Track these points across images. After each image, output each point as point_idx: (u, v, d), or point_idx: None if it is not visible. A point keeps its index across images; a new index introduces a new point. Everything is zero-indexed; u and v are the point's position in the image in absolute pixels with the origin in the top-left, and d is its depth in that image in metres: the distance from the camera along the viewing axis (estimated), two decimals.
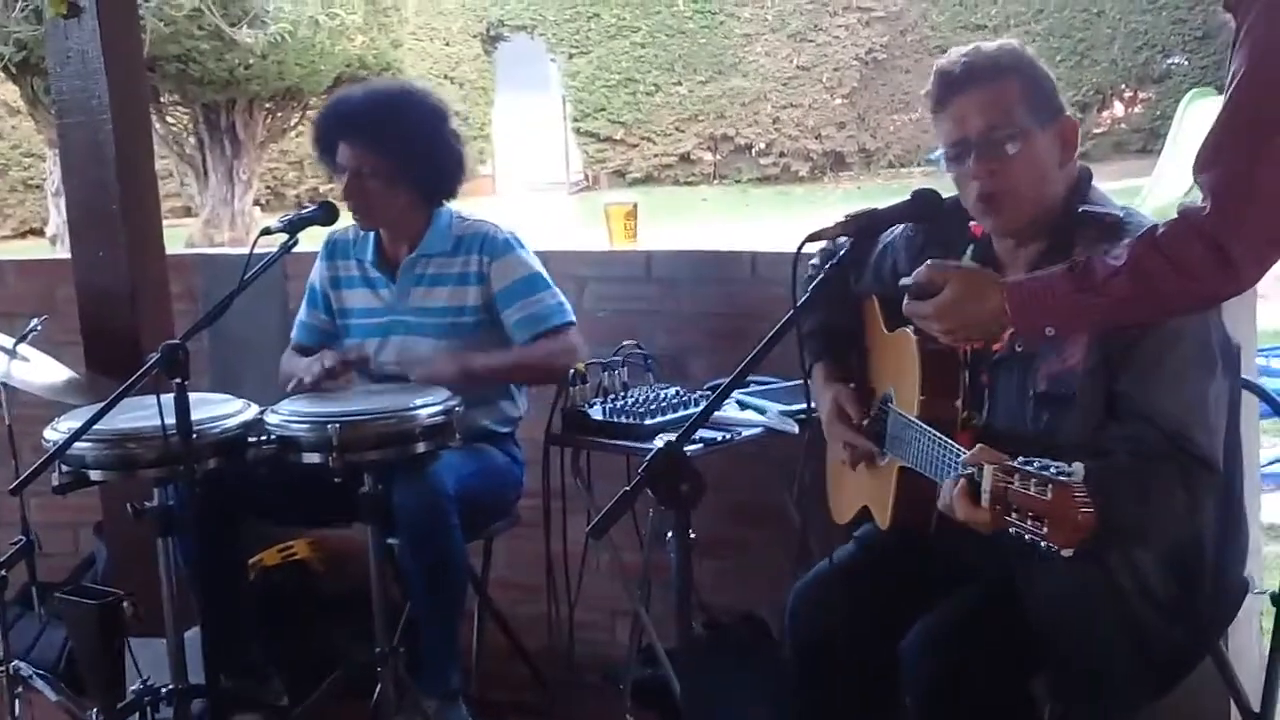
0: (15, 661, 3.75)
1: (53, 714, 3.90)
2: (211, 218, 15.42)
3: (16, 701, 3.73)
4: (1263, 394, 3.11)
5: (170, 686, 3.62)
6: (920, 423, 2.68)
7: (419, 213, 3.94)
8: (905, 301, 2.54)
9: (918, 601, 2.81)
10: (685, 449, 2.50)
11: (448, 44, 21.41)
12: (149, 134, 4.31)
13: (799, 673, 3.01)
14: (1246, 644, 3.35)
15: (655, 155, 21.11)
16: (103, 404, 3.25)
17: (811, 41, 21.08)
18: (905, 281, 2.55)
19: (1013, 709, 2.63)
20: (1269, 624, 3.13)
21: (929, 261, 2.53)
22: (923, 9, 21.07)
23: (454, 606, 3.71)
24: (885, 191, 18.62)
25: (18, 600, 4.14)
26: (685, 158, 21.12)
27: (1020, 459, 2.16)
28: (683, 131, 21.12)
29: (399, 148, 3.84)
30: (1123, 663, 2.55)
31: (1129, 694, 2.60)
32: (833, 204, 18.03)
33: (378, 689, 3.69)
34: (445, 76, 20.60)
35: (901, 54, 21.12)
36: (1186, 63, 20.21)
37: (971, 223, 2.81)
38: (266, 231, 3.52)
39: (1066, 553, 2.08)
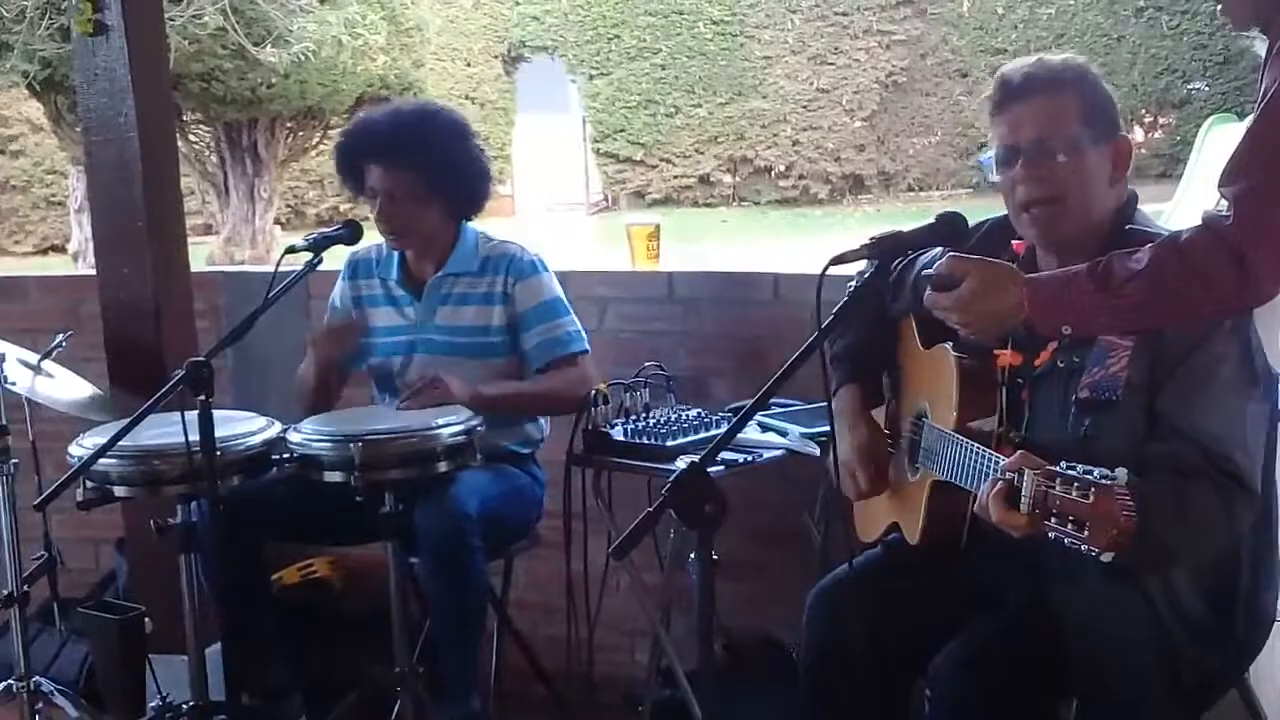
0: (36, 677, 3.76)
1: None
2: (232, 235, 15.45)
3: (37, 717, 3.74)
4: None
5: (190, 703, 3.62)
6: (958, 435, 2.68)
7: (446, 231, 3.96)
8: (926, 293, 2.56)
9: (938, 616, 2.82)
10: (708, 470, 2.51)
11: (469, 64, 21.47)
12: (175, 152, 4.33)
13: (810, 677, 3.01)
14: (1267, 672, 3.33)
15: (675, 177, 21.12)
16: (128, 420, 3.26)
17: (832, 64, 21.08)
18: (926, 273, 2.57)
19: None
20: None
21: (950, 254, 2.54)
22: (943, 33, 21.07)
23: (475, 628, 3.71)
24: (904, 215, 18.62)
25: (38, 615, 4.14)
26: (704, 179, 21.13)
27: (1063, 464, 2.17)
28: (702, 153, 21.13)
29: (429, 166, 3.86)
30: (1154, 687, 2.54)
31: (1161, 717, 2.60)
32: (851, 227, 18.03)
33: (395, 709, 3.70)
34: (466, 97, 20.64)
35: (922, 77, 21.11)
36: (1207, 88, 20.18)
37: (1014, 241, 2.81)
38: (291, 250, 3.54)
39: (1106, 557, 2.09)
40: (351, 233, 3.71)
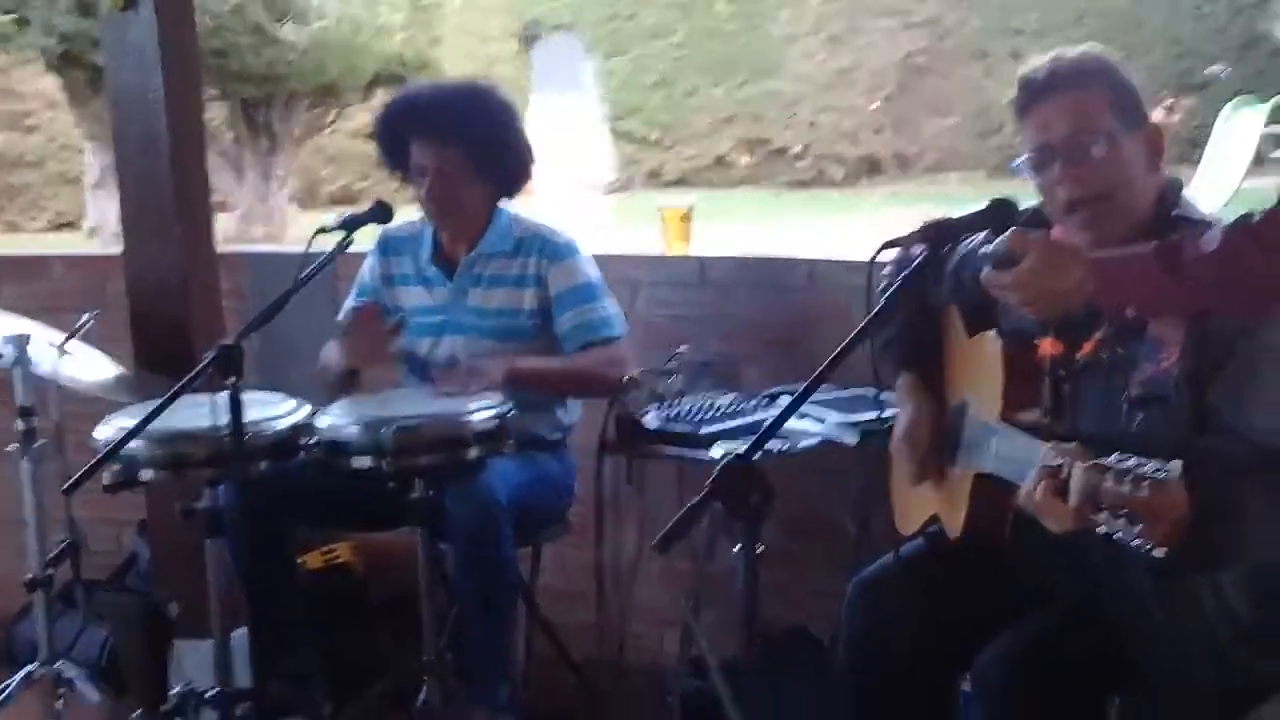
0: (59, 662, 3.71)
1: (95, 714, 3.88)
2: (247, 213, 15.41)
3: (60, 702, 3.70)
4: None
5: (215, 689, 3.58)
6: (1003, 426, 2.63)
7: (484, 211, 3.91)
8: (985, 271, 2.51)
9: (981, 610, 2.79)
10: (739, 462, 2.47)
11: (485, 42, 21.39)
12: (202, 130, 4.29)
13: (850, 668, 2.97)
14: None
15: (691, 157, 20.98)
16: (159, 402, 3.21)
17: (849, 45, 20.95)
18: (985, 250, 2.53)
19: None
20: None
21: (1011, 230, 2.48)
22: (962, 14, 20.93)
23: (505, 618, 3.67)
24: (922, 197, 18.52)
25: (58, 597, 4.10)
26: (721, 160, 21.00)
27: (1115, 456, 2.12)
28: (719, 134, 21.02)
29: (479, 143, 3.83)
30: (1201, 686, 2.50)
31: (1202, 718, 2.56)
32: (868, 210, 17.95)
33: (421, 696, 3.66)
34: (483, 75, 20.59)
35: (940, 59, 20.97)
36: (1229, 71, 20.07)
37: (1054, 229, 2.75)
38: (323, 230, 3.49)
39: (1159, 552, 2.05)
40: (383, 213, 3.67)
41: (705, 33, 21.32)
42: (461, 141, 3.81)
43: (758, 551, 2.50)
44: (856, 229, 15.86)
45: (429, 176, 3.82)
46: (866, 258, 2.61)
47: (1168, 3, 20.07)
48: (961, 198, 17.70)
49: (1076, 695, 2.56)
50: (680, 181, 20.54)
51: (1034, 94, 2.70)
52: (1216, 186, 13.30)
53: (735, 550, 2.56)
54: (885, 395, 3.26)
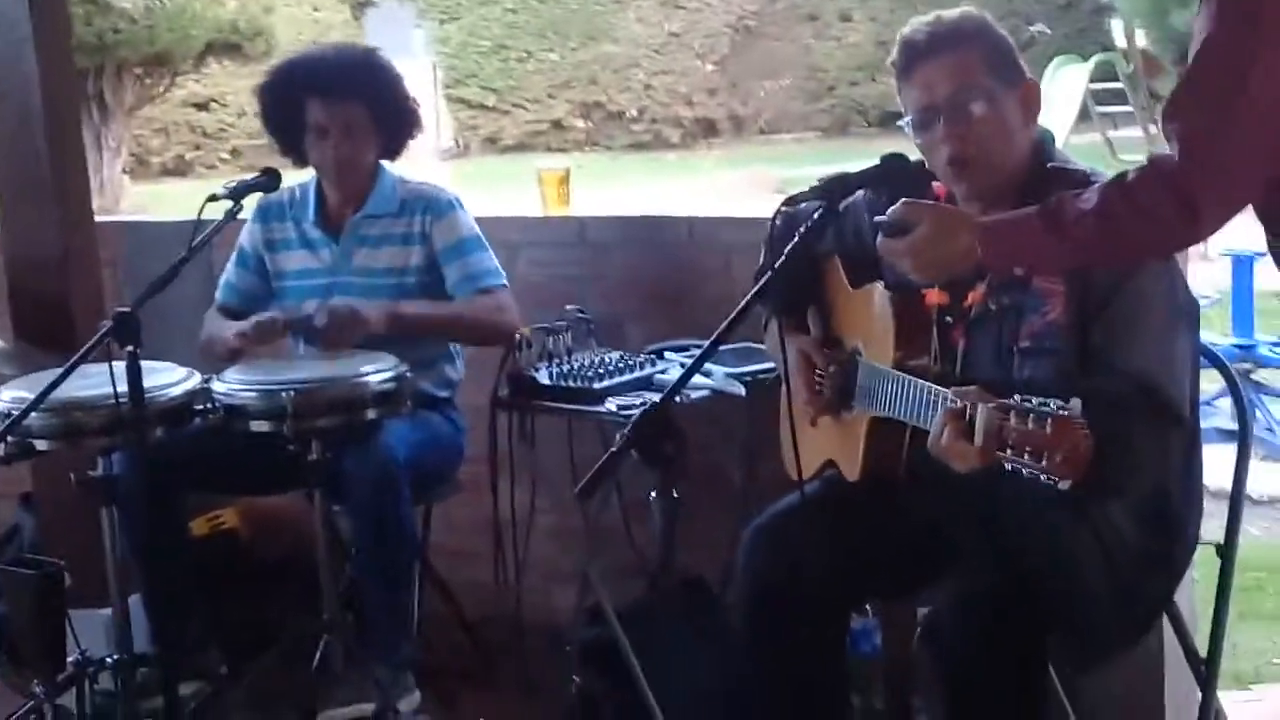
0: None
1: None
2: None
3: None
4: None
5: (113, 656, 3.59)
6: (897, 371, 2.74)
7: (371, 171, 3.95)
8: (879, 239, 2.61)
9: (878, 549, 2.91)
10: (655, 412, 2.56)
11: (316, 9, 21.13)
12: (77, 102, 4.27)
13: (749, 612, 3.04)
14: (1182, 593, 3.46)
15: (528, 122, 20.98)
16: (60, 372, 3.20)
17: (683, 8, 21.08)
18: (880, 219, 2.61)
19: (1035, 675, 2.70)
20: (1199, 574, 3.25)
21: (903, 200, 2.59)
22: None
23: (406, 576, 3.73)
24: (757, 158, 18.72)
25: None
26: (558, 125, 21.01)
27: (1017, 397, 2.23)
28: (555, 98, 21.02)
29: (378, 100, 3.90)
30: (1110, 613, 2.64)
31: (1113, 643, 2.70)
32: (705, 170, 18.10)
33: (317, 657, 3.70)
34: (314, 42, 20.32)
35: (772, 21, 21.20)
36: (1049, 31, 20.52)
37: (935, 183, 2.87)
38: (213, 198, 3.47)
39: (1064, 485, 2.16)
40: (271, 180, 3.66)
41: None
42: (363, 99, 3.87)
43: (676, 498, 2.58)
44: (695, 190, 16.04)
45: (333, 134, 3.85)
46: (748, 214, 2.66)
47: None
48: (795, 157, 17.96)
49: (1021, 636, 2.64)
50: (518, 146, 20.53)
51: (915, 55, 2.80)
52: None
53: (652, 496, 2.64)
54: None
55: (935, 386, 2.56)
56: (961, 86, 2.74)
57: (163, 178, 19.17)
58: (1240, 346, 6.65)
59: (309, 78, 3.91)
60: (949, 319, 2.83)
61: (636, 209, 5.36)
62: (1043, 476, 2.17)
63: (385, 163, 4.02)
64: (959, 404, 2.38)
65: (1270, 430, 6.14)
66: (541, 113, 21.05)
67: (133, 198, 15.63)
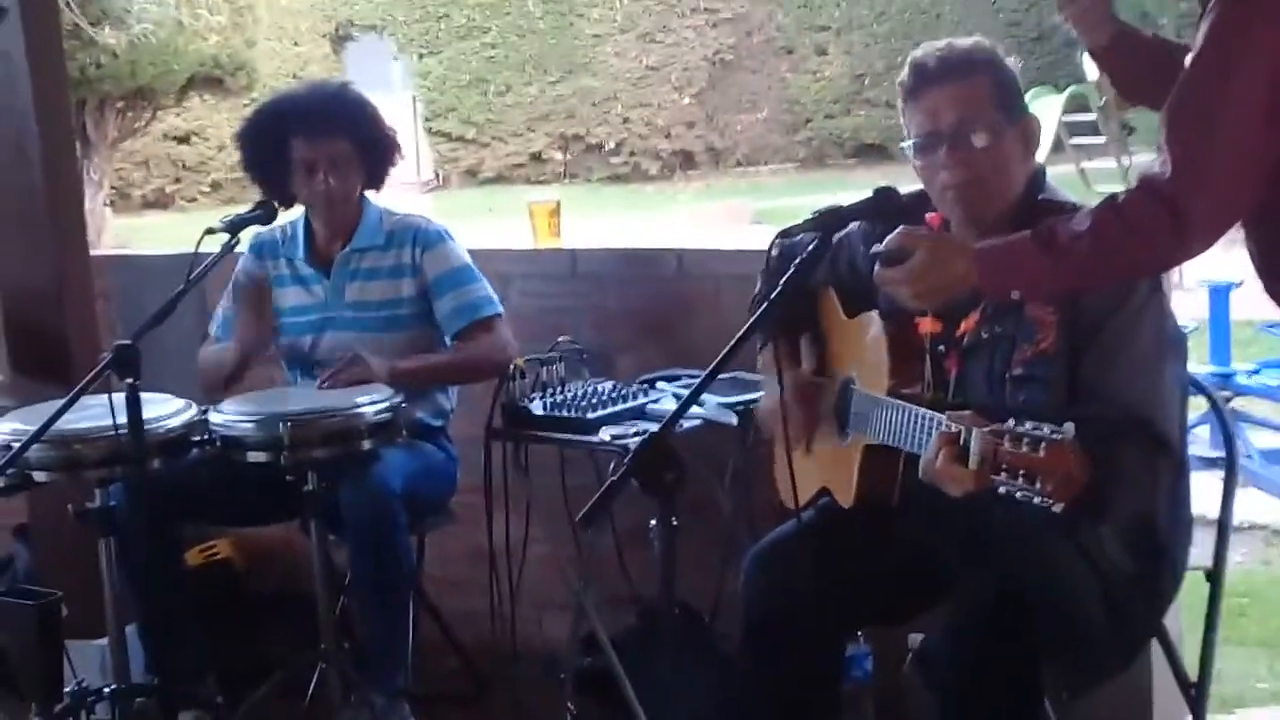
0: None
1: None
2: None
3: None
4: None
5: (111, 686, 3.61)
6: (891, 399, 2.78)
7: (357, 204, 3.99)
8: (876, 268, 2.64)
9: (872, 575, 2.94)
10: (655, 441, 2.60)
11: (296, 44, 21.23)
12: (72, 135, 4.29)
13: (752, 638, 3.06)
14: (1171, 618, 3.50)
15: (507, 155, 21.11)
16: (61, 404, 3.23)
17: (660, 42, 21.22)
18: (877, 248, 2.64)
19: (1030, 700, 2.72)
20: (1184, 599, 3.29)
21: (900, 228, 2.62)
22: (768, 10, 21.31)
23: (402, 605, 3.76)
24: (735, 190, 18.83)
25: None
26: (537, 157, 21.14)
27: (1010, 422, 2.27)
28: (534, 131, 21.14)
29: (361, 134, 3.95)
30: (1103, 638, 2.68)
31: (1106, 667, 2.74)
32: (684, 202, 18.20)
33: (312, 686, 3.73)
34: (294, 76, 20.33)
35: (748, 55, 21.35)
36: (1021, 62, 20.64)
37: (928, 214, 2.91)
38: (210, 231, 3.52)
39: (1058, 508, 2.19)
40: (266, 213, 3.70)
41: (517, 31, 21.41)
42: (347, 134, 3.91)
43: (675, 525, 2.62)
44: (673, 222, 16.10)
45: (320, 170, 3.88)
46: (737, 246, 2.70)
47: None
48: (773, 189, 18.06)
49: (1017, 662, 2.66)
50: (498, 179, 20.64)
51: (924, 79, 2.83)
52: None
53: (652, 524, 2.68)
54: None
55: (929, 412, 2.59)
56: (967, 116, 2.79)
57: (144, 210, 19.22)
58: (1219, 375, 6.71)
59: (290, 117, 3.95)
60: (942, 347, 2.87)
61: (618, 241, 5.41)
62: (1036, 499, 2.21)
63: (370, 194, 4.05)
64: (953, 428, 2.42)
65: (1249, 458, 6.19)
66: (521, 145, 21.16)
67: (115, 231, 15.64)
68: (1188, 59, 2.42)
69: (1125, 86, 2.99)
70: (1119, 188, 2.52)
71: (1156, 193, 2.39)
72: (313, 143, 3.88)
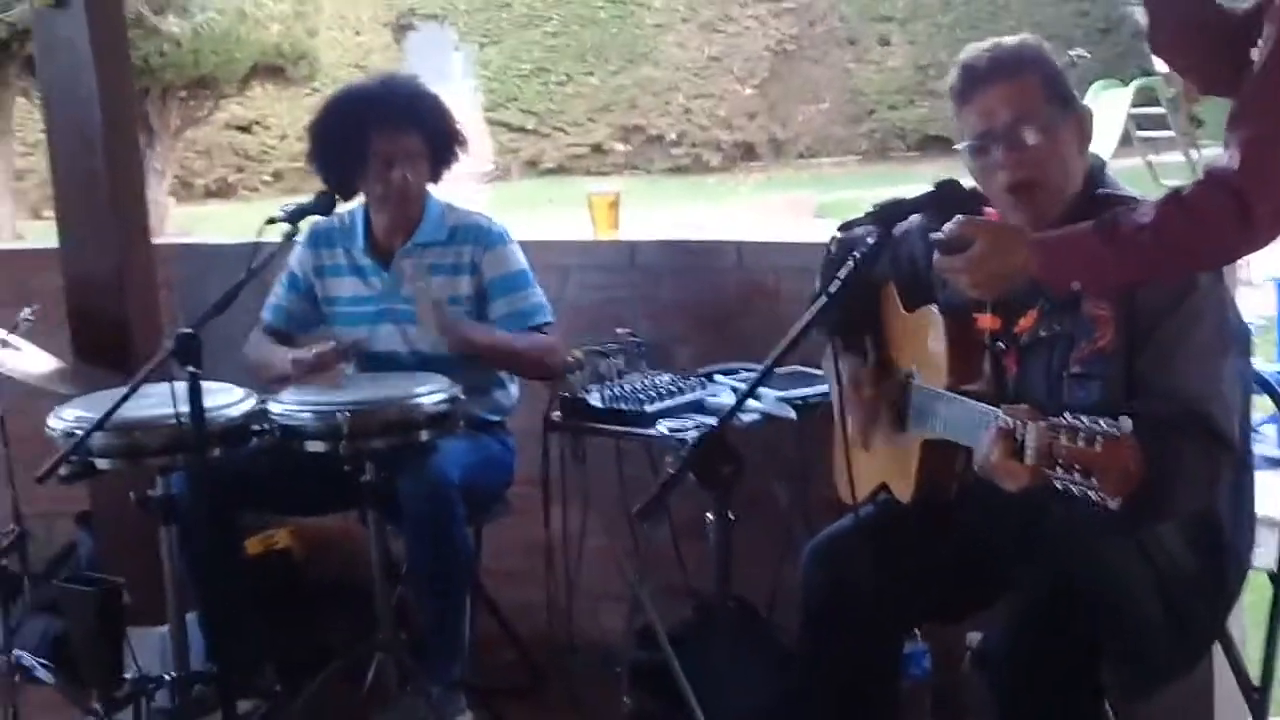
0: (16, 651, 3.75)
1: (48, 704, 3.91)
2: None
3: (17, 690, 3.73)
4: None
5: (170, 675, 3.64)
6: (951, 394, 2.76)
7: (423, 199, 4.00)
8: (935, 256, 2.64)
9: (930, 571, 2.92)
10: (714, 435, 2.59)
11: (358, 33, 21.28)
12: (134, 124, 4.33)
13: (810, 631, 3.07)
14: (1233, 620, 3.46)
15: (567, 145, 21.08)
16: (124, 391, 3.26)
17: (723, 32, 21.13)
18: (936, 236, 2.63)
19: (1089, 701, 2.71)
20: (1251, 599, 3.25)
21: (959, 217, 2.61)
22: (831, 1, 21.22)
23: (459, 596, 3.76)
24: (796, 181, 18.75)
25: None
26: (598, 148, 21.09)
27: (1067, 415, 2.24)
28: (595, 122, 21.10)
29: (433, 128, 3.96)
30: (1164, 638, 2.65)
31: (1167, 670, 2.71)
32: (745, 194, 18.15)
33: (370, 676, 3.74)
34: (356, 65, 20.43)
35: (811, 45, 21.23)
36: (1089, 55, 20.49)
37: (987, 209, 2.89)
38: (271, 221, 3.53)
39: (1114, 504, 2.16)
40: (326, 203, 3.71)
41: (579, 21, 21.37)
42: (421, 128, 3.93)
43: (732, 520, 2.61)
44: (735, 214, 16.07)
45: (397, 164, 3.90)
46: (796, 238, 2.69)
47: None
48: (835, 181, 17.98)
49: (1072, 660, 2.65)
50: (558, 170, 20.61)
51: (975, 81, 2.81)
52: None
53: (709, 518, 2.68)
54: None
55: (987, 406, 2.57)
56: (1021, 114, 2.76)
57: (206, 200, 19.32)
58: None
59: (369, 112, 3.94)
60: (1001, 344, 2.86)
61: (677, 233, 5.41)
62: (1092, 494, 2.18)
63: (430, 188, 4.06)
64: (1009, 422, 2.39)
65: None
66: (581, 136, 21.12)
67: (177, 220, 15.76)
68: (1257, 51, 2.39)
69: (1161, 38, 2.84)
70: (1186, 181, 2.49)
71: (1224, 184, 2.36)
72: (392, 138, 3.89)
